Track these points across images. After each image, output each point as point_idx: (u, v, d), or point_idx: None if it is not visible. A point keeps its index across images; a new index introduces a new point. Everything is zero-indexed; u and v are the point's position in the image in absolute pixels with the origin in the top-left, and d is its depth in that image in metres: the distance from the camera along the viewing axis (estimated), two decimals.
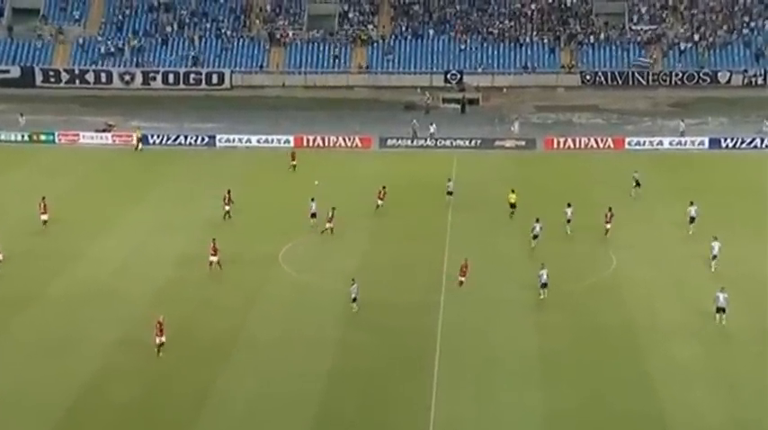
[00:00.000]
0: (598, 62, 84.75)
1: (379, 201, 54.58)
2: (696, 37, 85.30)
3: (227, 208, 53.39)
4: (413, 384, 36.48)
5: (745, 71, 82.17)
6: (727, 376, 36.26)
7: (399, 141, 69.48)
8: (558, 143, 69.11)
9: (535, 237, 49.53)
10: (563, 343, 39.24)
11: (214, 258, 46.31)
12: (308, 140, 70.32)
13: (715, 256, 46.55)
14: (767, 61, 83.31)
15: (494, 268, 45.84)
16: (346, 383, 36.71)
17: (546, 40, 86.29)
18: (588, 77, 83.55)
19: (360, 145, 69.71)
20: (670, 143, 68.30)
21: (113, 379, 36.84)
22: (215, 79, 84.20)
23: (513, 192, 53.98)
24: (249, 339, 39.86)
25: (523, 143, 68.86)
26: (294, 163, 62.54)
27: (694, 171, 62.15)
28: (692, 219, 51.33)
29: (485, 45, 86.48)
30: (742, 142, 68.09)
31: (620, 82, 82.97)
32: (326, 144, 69.96)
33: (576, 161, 64.53)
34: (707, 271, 46.07)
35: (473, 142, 69.47)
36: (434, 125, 70.34)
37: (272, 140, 70.19)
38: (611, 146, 68.44)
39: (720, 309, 40.51)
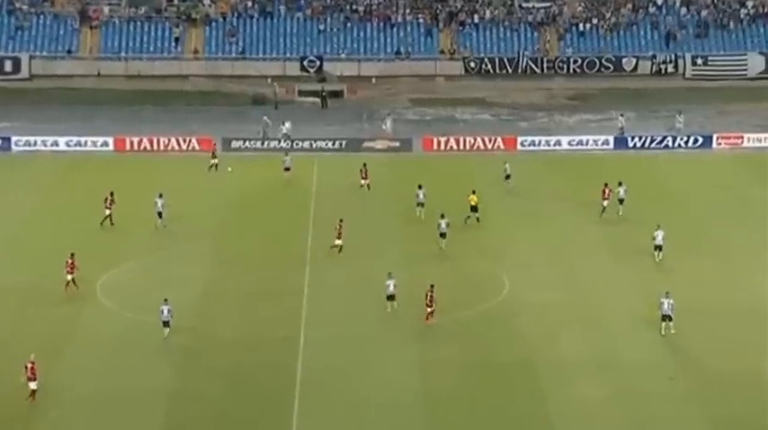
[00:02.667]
0: (484, 47, 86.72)
1: (363, 181, 59.28)
2: (597, 17, 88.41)
3: (107, 211, 53.63)
4: None
5: (654, 57, 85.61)
6: (639, 421, 37.50)
7: (247, 143, 69.36)
8: (439, 143, 70.31)
9: (443, 235, 50.72)
10: (450, 383, 39.85)
11: (70, 277, 46.25)
12: (131, 143, 69.43)
13: (659, 247, 49.62)
14: (678, 45, 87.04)
15: (366, 294, 46.13)
16: None
17: (422, 20, 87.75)
18: (472, 65, 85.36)
19: (198, 147, 69.22)
20: (569, 143, 70.53)
21: None
22: (8, 67, 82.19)
23: (473, 193, 55.10)
24: (57, 395, 38.81)
25: (397, 144, 69.78)
26: (215, 161, 63.29)
27: (598, 175, 64.15)
28: (621, 201, 55.90)
29: (348, 25, 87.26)
30: (652, 141, 70.90)
31: (509, 70, 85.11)
32: (156, 147, 69.19)
33: (461, 165, 65.73)
34: (618, 285, 47.72)
35: (337, 143, 69.94)
36: (289, 123, 70.48)
37: (86, 143, 69.05)
38: (502, 146, 70.11)
39: (666, 317, 42.61)
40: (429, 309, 43.92)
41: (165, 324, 42.65)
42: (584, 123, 76.30)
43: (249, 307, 46.31)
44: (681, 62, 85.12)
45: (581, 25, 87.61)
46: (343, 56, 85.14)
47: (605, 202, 56.17)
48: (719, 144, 70.62)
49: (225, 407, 38.32)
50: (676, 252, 50.83)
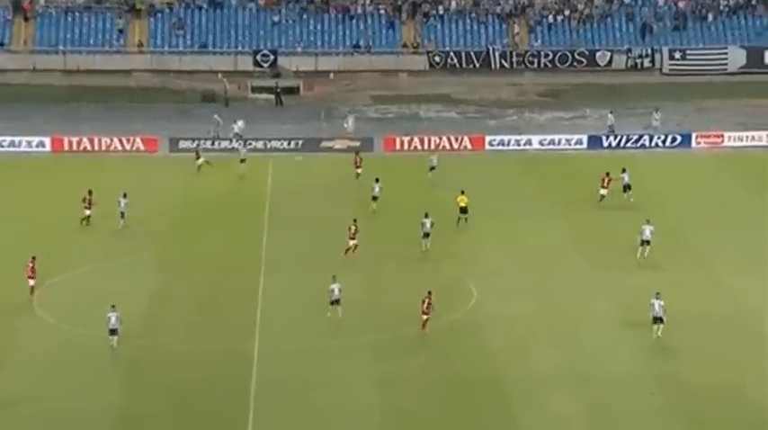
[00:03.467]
0: (449, 40, 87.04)
1: (358, 170, 61.69)
2: (569, 8, 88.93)
3: (87, 212, 54.12)
4: None
5: (629, 51, 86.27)
6: None
7: (196, 143, 69.13)
8: (402, 143, 70.50)
9: (426, 235, 51.75)
10: (412, 399, 39.90)
11: (33, 282, 46.45)
12: (70, 143, 69.17)
13: (646, 242, 50.88)
14: (655, 38, 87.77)
15: (324, 302, 46.11)
16: None
17: (383, 12, 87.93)
18: (437, 59, 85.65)
19: (143, 148, 69.02)
20: (540, 142, 70.92)
21: None
22: None
23: (462, 193, 55.57)
24: None
25: (358, 143, 69.89)
26: (201, 161, 63.83)
27: (570, 176, 64.71)
28: (628, 187, 58.49)
29: (304, 17, 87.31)
30: (627, 140, 71.45)
31: (477, 65, 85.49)
32: (96, 147, 68.95)
33: (425, 165, 65.83)
34: (592, 293, 48.06)
35: (293, 143, 70.02)
36: (241, 122, 70.41)
37: (20, 143, 68.75)
38: (469, 146, 70.44)
39: (657, 319, 43.19)
40: (425, 316, 43.86)
41: (113, 332, 42.52)
42: (556, 121, 76.78)
43: (199, 317, 46.18)
44: (658, 56, 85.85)
45: (552, 17, 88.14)
46: (298, 50, 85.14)
47: (604, 191, 58.15)
48: (698, 143, 71.29)
49: (174, 425, 38.20)
50: (654, 256, 51.29)
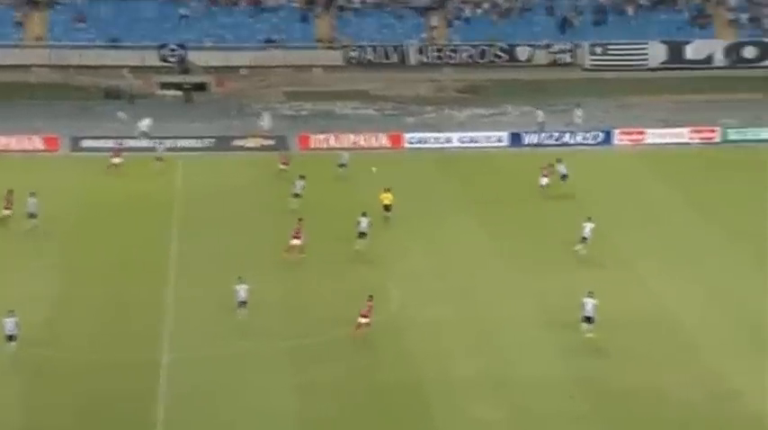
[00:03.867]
0: (366, 34, 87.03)
1: (284, 167, 62.23)
2: (488, 2, 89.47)
3: (6, 212, 53.86)
4: None
5: (549, 46, 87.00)
6: None
7: (100, 142, 68.25)
8: (318, 141, 70.24)
9: (362, 234, 51.49)
10: (329, 407, 39.72)
11: None
12: None
13: (585, 239, 51.69)
14: (576, 32, 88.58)
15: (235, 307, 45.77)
16: None
17: (296, 4, 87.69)
18: (353, 55, 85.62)
19: (42, 147, 67.93)
20: (460, 140, 71.15)
21: None
22: None
23: (387, 191, 55.70)
24: None
25: (272, 142, 69.56)
26: (118, 161, 63.32)
27: (492, 174, 65.00)
28: (564, 177, 60.69)
29: (213, 10, 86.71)
30: (549, 137, 72.02)
31: (395, 60, 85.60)
32: None
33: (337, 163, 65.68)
34: (514, 295, 48.26)
35: (203, 142, 69.44)
36: (148, 120, 69.67)
37: None
38: (387, 143, 70.44)
39: (588, 319, 43.57)
40: (364, 320, 43.58)
41: (11, 338, 41.66)
42: (477, 118, 77.11)
43: (105, 324, 45.48)
44: (578, 51, 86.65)
45: (471, 11, 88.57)
46: (208, 44, 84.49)
47: (545, 180, 59.96)
48: (620, 140, 72.04)
49: None
50: (578, 255, 51.66)
